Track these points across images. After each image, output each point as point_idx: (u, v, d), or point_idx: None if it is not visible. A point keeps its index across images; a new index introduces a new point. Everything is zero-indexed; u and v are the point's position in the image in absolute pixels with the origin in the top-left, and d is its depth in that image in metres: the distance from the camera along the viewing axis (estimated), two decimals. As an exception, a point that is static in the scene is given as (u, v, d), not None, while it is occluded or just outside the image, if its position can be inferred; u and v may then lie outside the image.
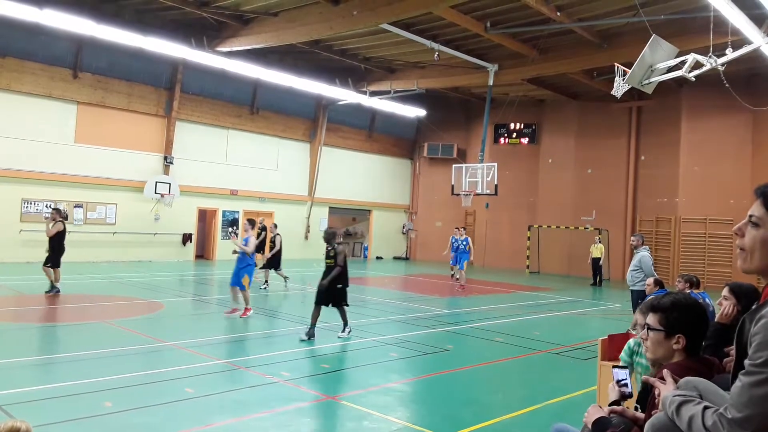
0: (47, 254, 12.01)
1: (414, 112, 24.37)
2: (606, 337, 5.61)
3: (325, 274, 9.08)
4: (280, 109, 24.14)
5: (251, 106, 23.20)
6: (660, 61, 11.74)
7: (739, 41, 11.93)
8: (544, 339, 9.86)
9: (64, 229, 12.30)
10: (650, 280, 7.34)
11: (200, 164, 21.98)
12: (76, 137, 18.98)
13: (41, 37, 17.48)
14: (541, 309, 13.76)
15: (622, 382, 2.46)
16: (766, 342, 1.56)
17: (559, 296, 16.49)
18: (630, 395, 2.45)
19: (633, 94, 19.47)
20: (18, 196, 17.82)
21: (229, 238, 21.35)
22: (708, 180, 20.74)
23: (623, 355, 4.66)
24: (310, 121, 25.31)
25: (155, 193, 20.32)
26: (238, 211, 22.86)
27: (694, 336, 2.27)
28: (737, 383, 1.62)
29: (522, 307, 13.98)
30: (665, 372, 2.12)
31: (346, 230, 28.76)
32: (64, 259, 12.40)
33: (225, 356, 7.76)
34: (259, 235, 16.26)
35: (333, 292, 9.00)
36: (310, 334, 8.76)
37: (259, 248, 15.85)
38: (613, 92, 12.71)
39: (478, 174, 18.96)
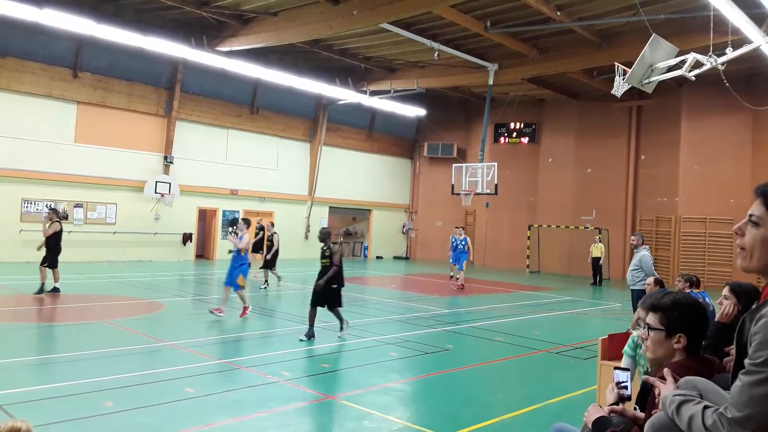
0: (44, 254, 12.02)
1: (414, 111, 24.37)
2: (606, 336, 5.61)
3: (321, 274, 9.04)
4: (280, 109, 24.14)
5: (251, 106, 23.20)
6: (660, 60, 11.74)
7: (739, 40, 11.92)
8: (544, 338, 9.86)
9: (61, 229, 12.31)
10: (650, 280, 7.33)
11: (200, 164, 21.98)
12: (76, 137, 18.98)
13: (41, 37, 17.48)
14: (541, 308, 13.76)
15: (622, 384, 2.45)
16: (766, 341, 1.56)
17: (559, 296, 16.49)
18: (629, 398, 2.44)
19: (633, 93, 19.48)
20: (18, 196, 17.82)
21: (228, 238, 21.36)
22: (708, 179, 20.74)
23: (627, 348, 4.63)
24: (310, 120, 25.31)
25: (155, 192, 20.33)
26: (238, 211, 22.85)
27: (695, 335, 2.27)
28: (737, 383, 1.62)
29: (522, 306, 13.98)
30: (666, 371, 2.11)
31: (346, 230, 28.77)
32: (63, 258, 12.41)
33: (225, 356, 7.76)
34: (256, 234, 16.27)
35: (327, 291, 8.96)
36: (310, 335, 8.75)
37: (258, 248, 15.86)
38: (613, 92, 12.70)
39: (478, 173, 18.97)
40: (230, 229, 22.48)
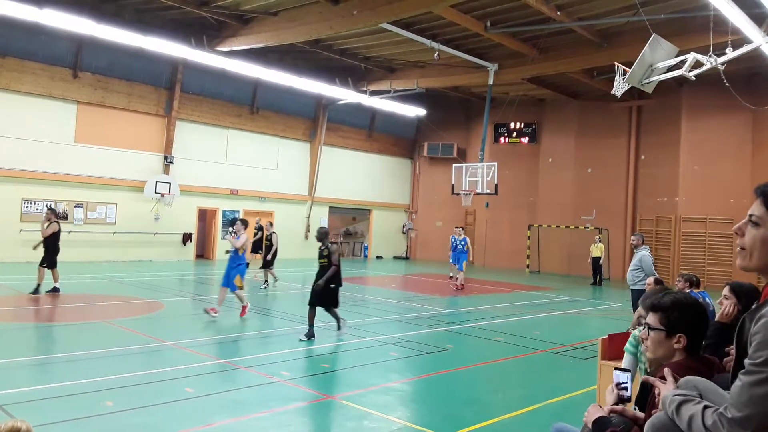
0: (42, 255, 12.02)
1: (414, 111, 24.36)
2: (606, 336, 5.60)
3: (319, 274, 9.03)
4: (280, 109, 24.14)
5: (251, 106, 23.20)
6: (660, 60, 11.73)
7: (739, 40, 11.92)
8: (544, 338, 9.85)
9: (59, 229, 12.30)
10: (650, 280, 7.33)
11: (200, 164, 21.98)
12: (76, 137, 18.98)
13: (41, 37, 17.48)
14: (541, 308, 13.76)
15: (622, 386, 2.45)
16: (766, 341, 1.56)
17: (559, 296, 16.48)
18: (628, 399, 2.43)
19: (633, 93, 19.48)
20: (18, 196, 17.82)
21: (227, 238, 21.39)
22: (708, 179, 20.74)
23: (628, 346, 4.61)
24: (310, 120, 25.31)
25: (155, 192, 20.33)
26: (238, 211, 22.85)
27: (695, 335, 2.27)
28: (737, 382, 1.62)
29: (522, 306, 13.98)
30: (666, 371, 2.11)
31: (346, 230, 28.77)
32: (63, 258, 12.41)
33: (225, 356, 7.76)
34: (255, 234, 16.27)
35: (324, 291, 8.94)
36: (310, 335, 8.75)
37: (256, 248, 15.86)
38: (613, 91, 12.69)
39: (478, 173, 18.96)
40: (229, 229, 22.55)
